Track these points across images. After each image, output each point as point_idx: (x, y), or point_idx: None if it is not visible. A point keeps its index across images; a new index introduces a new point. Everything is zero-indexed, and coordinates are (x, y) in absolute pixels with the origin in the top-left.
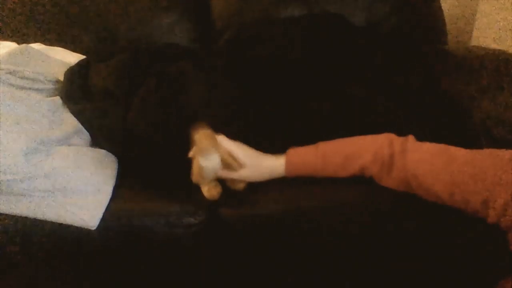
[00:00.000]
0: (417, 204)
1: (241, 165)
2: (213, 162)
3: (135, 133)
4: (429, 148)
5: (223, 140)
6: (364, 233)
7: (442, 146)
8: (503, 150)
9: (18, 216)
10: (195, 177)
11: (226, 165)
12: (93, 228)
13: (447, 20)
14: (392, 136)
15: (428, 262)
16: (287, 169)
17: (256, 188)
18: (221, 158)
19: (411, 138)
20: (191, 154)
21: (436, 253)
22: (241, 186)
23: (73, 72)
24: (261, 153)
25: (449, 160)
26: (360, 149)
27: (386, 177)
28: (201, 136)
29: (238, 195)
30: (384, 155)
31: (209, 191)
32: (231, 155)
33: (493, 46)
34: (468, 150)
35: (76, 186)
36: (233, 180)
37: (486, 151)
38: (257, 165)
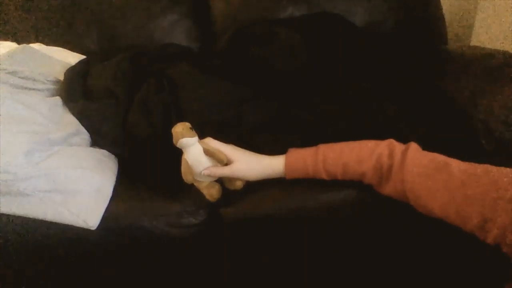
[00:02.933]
0: None
1: (231, 160)
2: (196, 152)
3: (135, 133)
4: (429, 163)
5: (210, 141)
6: (364, 233)
7: (442, 161)
8: (501, 168)
9: (18, 216)
10: (184, 175)
11: (213, 156)
12: (93, 228)
13: (447, 20)
14: (393, 144)
15: (429, 263)
16: (286, 170)
17: (256, 188)
18: (205, 149)
19: (412, 147)
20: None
21: (437, 254)
22: (239, 185)
23: (73, 72)
24: (256, 154)
25: (447, 179)
26: (360, 157)
27: (384, 186)
28: (177, 125)
29: (238, 195)
30: (383, 166)
31: (209, 191)
32: (217, 149)
33: (493, 46)
34: (466, 167)
35: (76, 186)
36: (231, 180)
37: (484, 169)
38: (253, 160)
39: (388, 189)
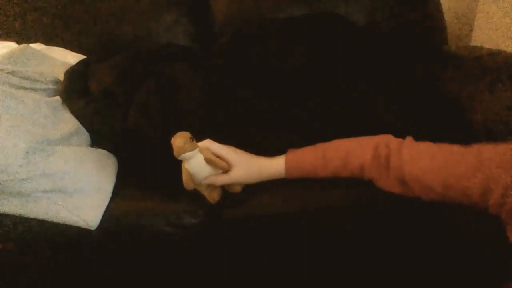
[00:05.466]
0: (417, 204)
1: (231, 165)
2: (197, 162)
3: (135, 133)
4: (427, 147)
5: (210, 143)
6: (364, 233)
7: (440, 144)
8: (503, 143)
9: (18, 216)
10: (185, 184)
11: (214, 165)
12: (93, 228)
13: (447, 20)
14: (389, 136)
15: (429, 263)
16: (287, 170)
17: (257, 188)
18: (206, 158)
19: (408, 139)
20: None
21: (437, 254)
22: (237, 189)
23: (73, 72)
24: (256, 155)
25: (447, 154)
26: (358, 149)
27: (384, 178)
28: (177, 137)
29: (238, 196)
30: (381, 154)
31: (210, 194)
32: (217, 155)
33: (493, 46)
34: (465, 147)
35: (76, 186)
36: (229, 184)
37: (483, 146)
38: (252, 164)
39: (387, 181)
